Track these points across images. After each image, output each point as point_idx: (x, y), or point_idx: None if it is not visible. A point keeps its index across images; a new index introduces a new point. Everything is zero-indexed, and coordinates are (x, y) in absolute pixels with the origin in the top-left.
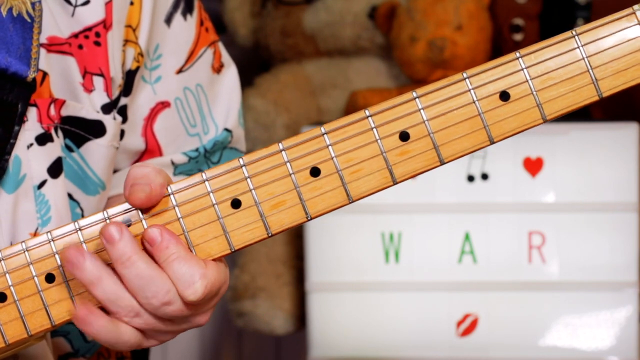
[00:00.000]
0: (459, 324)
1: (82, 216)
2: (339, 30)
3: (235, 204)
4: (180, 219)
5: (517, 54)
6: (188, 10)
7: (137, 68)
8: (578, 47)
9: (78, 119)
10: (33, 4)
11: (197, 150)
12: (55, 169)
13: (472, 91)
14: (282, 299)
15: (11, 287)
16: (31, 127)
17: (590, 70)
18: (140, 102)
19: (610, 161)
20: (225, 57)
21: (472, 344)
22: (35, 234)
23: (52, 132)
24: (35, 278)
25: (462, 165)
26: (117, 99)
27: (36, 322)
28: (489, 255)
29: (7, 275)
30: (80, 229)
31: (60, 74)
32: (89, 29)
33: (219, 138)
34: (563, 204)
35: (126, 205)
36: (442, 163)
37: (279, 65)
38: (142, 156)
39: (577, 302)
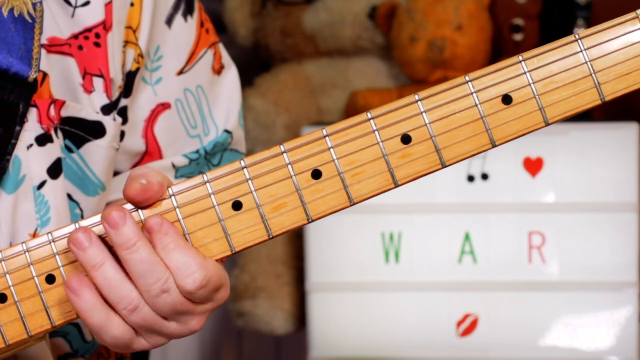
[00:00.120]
0: (459, 324)
1: (82, 217)
2: (339, 30)
3: (236, 205)
4: (181, 220)
5: (520, 57)
6: (188, 11)
7: (137, 69)
8: (581, 51)
9: (78, 119)
10: (34, 5)
11: (197, 152)
12: (54, 170)
13: (474, 94)
14: (282, 299)
15: (11, 288)
16: (31, 128)
17: (593, 74)
18: (141, 104)
19: (610, 161)
20: (226, 59)
21: (472, 344)
22: (34, 235)
23: (52, 132)
24: (36, 279)
25: (462, 165)
26: (117, 100)
27: (36, 323)
28: (489, 255)
29: (7, 275)
30: None
31: (60, 75)
32: (88, 29)
33: (219, 139)
34: (563, 204)
35: (129, 206)
36: (444, 166)
37: (279, 65)
38: (142, 157)
39: (577, 302)
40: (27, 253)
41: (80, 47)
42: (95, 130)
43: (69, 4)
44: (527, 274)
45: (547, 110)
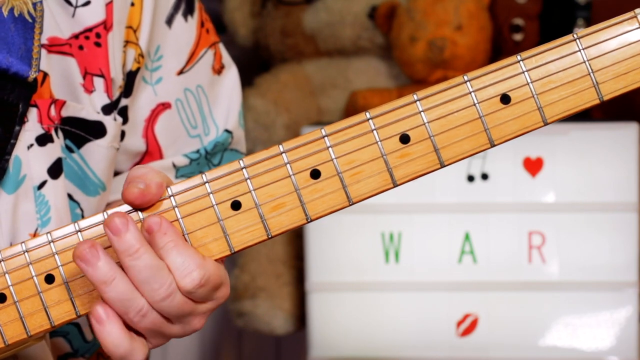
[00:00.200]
0: (459, 324)
1: (82, 217)
2: (339, 30)
3: (236, 205)
4: (180, 220)
5: (518, 57)
6: (189, 11)
7: (138, 69)
8: (579, 50)
9: (78, 119)
10: (34, 4)
11: (197, 151)
12: (55, 170)
13: (472, 94)
14: (282, 299)
15: (11, 288)
16: (31, 128)
17: (592, 74)
18: (141, 104)
19: (610, 161)
20: (226, 59)
21: (472, 344)
22: (35, 235)
23: (53, 132)
24: (35, 279)
25: (462, 165)
26: (118, 100)
27: (36, 323)
28: (489, 255)
29: (6, 275)
30: (80, 230)
31: (60, 75)
32: (89, 29)
33: (219, 139)
34: (563, 204)
35: (126, 207)
36: (443, 166)
37: (279, 65)
38: (142, 157)
39: (577, 302)
40: (26, 253)
41: (80, 47)
42: (96, 130)
43: (70, 3)
44: (527, 274)
45: (545, 109)
